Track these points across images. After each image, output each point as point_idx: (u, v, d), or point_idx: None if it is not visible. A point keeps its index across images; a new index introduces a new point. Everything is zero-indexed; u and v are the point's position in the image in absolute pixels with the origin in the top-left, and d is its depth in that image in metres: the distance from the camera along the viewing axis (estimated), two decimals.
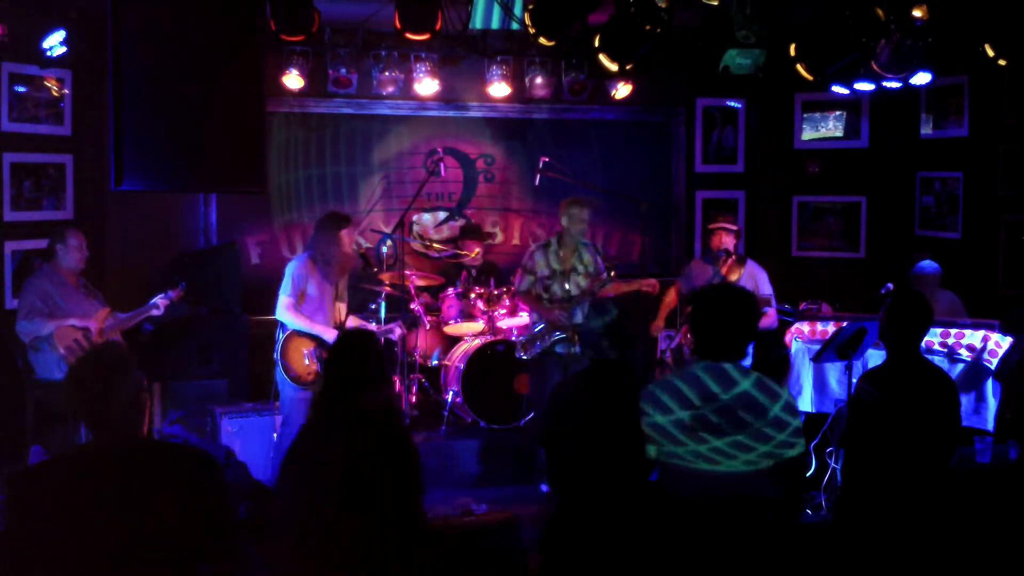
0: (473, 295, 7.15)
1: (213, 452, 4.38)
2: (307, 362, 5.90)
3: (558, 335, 6.25)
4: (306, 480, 3.07)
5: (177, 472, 2.79)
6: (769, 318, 6.62)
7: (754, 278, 6.74)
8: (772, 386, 3.26)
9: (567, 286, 6.33)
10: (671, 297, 7.05)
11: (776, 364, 6.64)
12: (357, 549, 2.93)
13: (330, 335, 5.86)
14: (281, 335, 5.87)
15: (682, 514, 3.31)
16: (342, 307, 6.10)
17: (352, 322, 6.13)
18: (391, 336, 6.32)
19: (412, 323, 7.13)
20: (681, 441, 3.26)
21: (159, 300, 6.14)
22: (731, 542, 3.25)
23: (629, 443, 3.50)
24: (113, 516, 2.66)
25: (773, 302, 6.63)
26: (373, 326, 6.22)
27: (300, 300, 5.88)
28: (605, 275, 6.41)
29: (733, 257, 6.64)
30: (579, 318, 6.10)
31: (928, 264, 6.63)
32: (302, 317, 5.85)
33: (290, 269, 5.89)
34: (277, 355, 5.87)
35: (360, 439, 3.05)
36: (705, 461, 3.24)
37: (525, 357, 6.37)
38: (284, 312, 5.84)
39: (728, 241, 6.69)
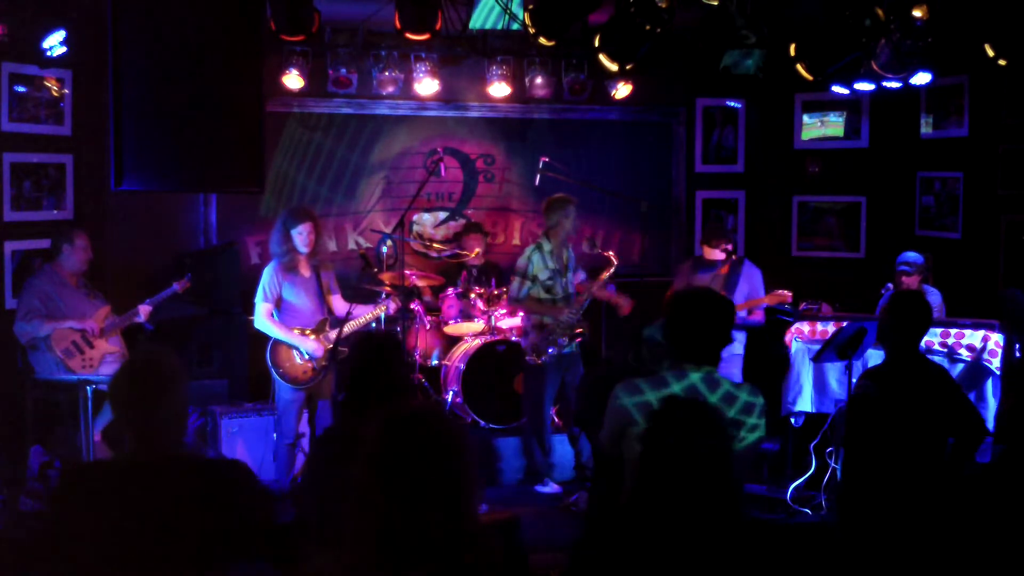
0: (473, 295, 7.15)
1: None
2: (300, 362, 5.92)
3: (569, 335, 6.23)
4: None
5: (214, 487, 2.73)
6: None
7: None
8: (729, 385, 3.25)
9: (567, 284, 6.33)
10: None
11: (772, 362, 6.65)
12: (405, 552, 2.87)
13: (307, 345, 5.89)
14: (270, 340, 5.91)
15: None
16: (333, 299, 6.10)
17: (355, 309, 6.11)
18: (387, 312, 6.20)
19: (408, 296, 6.96)
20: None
21: (141, 308, 6.16)
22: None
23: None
24: (147, 529, 2.62)
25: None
26: (368, 309, 6.16)
27: (277, 304, 5.90)
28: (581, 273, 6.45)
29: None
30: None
31: (914, 254, 6.60)
32: (278, 325, 5.88)
33: (263, 276, 5.92)
34: (268, 360, 5.91)
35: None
36: None
37: (541, 361, 6.25)
38: (261, 321, 5.89)
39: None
